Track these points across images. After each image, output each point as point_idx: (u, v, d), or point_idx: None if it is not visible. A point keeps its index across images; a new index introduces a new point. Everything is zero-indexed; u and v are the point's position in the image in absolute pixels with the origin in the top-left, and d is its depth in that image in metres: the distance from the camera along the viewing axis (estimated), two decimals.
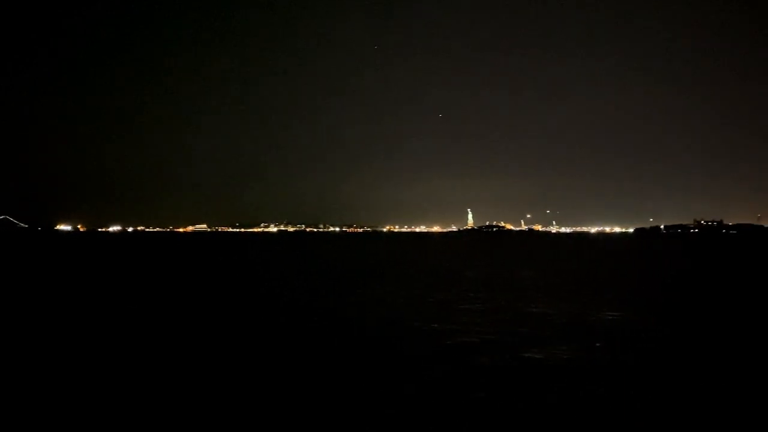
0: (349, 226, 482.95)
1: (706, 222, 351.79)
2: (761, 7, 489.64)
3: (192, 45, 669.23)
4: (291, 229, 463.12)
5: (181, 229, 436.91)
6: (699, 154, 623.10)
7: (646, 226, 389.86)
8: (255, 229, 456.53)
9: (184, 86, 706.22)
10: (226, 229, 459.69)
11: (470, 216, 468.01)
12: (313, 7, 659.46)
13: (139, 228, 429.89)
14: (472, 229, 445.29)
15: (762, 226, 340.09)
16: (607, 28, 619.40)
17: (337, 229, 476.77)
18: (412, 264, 54.82)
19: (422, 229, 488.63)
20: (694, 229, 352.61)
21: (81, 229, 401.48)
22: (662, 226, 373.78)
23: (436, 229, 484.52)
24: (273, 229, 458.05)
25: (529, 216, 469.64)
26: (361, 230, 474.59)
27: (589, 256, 74.24)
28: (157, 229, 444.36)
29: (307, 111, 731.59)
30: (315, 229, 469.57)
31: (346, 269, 47.62)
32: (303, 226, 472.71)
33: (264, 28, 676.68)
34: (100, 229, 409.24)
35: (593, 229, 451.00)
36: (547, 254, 78.52)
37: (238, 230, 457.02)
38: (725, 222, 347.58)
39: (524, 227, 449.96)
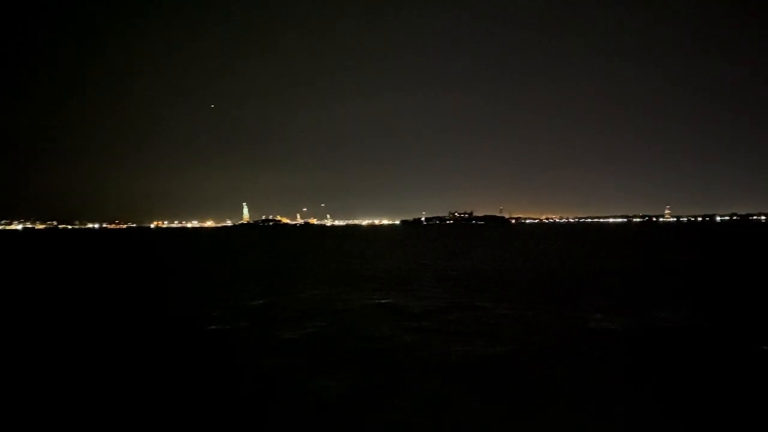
0: (111, 222, 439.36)
1: (460, 214, 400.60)
2: None
3: None
4: (40, 226, 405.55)
5: None
6: (455, 154, 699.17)
7: (410, 218, 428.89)
8: None
9: None
10: None
11: (246, 210, 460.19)
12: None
13: None
14: (248, 223, 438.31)
15: (503, 217, 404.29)
16: (400, 32, 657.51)
17: (96, 225, 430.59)
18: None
19: (194, 224, 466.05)
20: (449, 220, 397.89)
21: None
22: (423, 218, 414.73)
23: (209, 224, 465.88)
24: (17, 226, 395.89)
25: (305, 209, 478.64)
26: (124, 226, 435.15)
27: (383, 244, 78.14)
28: None
29: (64, 100, 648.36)
30: (69, 226, 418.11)
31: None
32: (55, 222, 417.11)
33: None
34: None
35: (365, 222, 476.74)
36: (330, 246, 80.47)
37: None
38: (475, 214, 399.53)
39: (300, 221, 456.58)
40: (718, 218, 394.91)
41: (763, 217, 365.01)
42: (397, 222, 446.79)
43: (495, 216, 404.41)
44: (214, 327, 17.56)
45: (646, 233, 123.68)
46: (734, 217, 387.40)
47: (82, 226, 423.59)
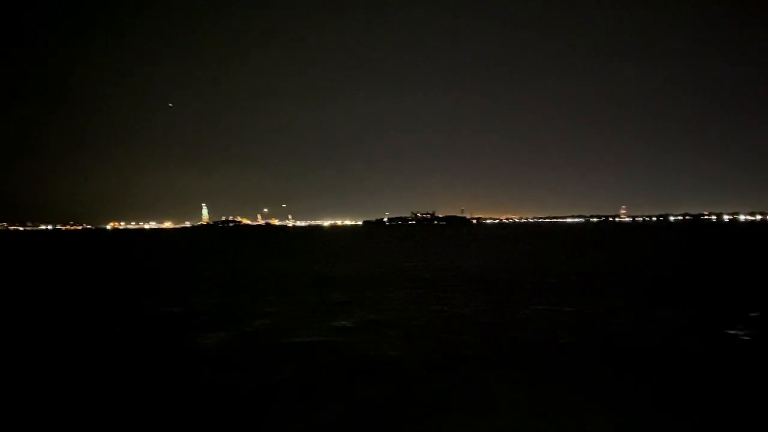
0: (65, 224, 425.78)
1: (422, 214, 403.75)
2: None
3: None
4: None
5: None
6: (418, 157, 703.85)
7: (372, 219, 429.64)
8: None
9: None
10: None
11: (205, 211, 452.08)
12: None
13: None
14: (208, 224, 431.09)
15: (464, 217, 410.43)
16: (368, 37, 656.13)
17: (50, 227, 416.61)
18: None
19: (152, 225, 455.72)
20: (412, 220, 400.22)
21: None
22: (386, 219, 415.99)
23: (168, 225, 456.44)
24: None
25: (265, 210, 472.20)
26: (80, 228, 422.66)
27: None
28: None
29: (15, 99, 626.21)
30: (21, 228, 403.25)
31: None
32: (5, 224, 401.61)
33: None
34: None
35: (327, 222, 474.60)
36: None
37: None
38: (437, 214, 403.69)
39: (261, 221, 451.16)
40: (672, 218, 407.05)
41: (713, 217, 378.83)
42: (360, 223, 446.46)
43: (456, 216, 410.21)
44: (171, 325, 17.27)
45: (607, 233, 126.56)
46: (687, 217, 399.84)
47: (35, 228, 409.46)
